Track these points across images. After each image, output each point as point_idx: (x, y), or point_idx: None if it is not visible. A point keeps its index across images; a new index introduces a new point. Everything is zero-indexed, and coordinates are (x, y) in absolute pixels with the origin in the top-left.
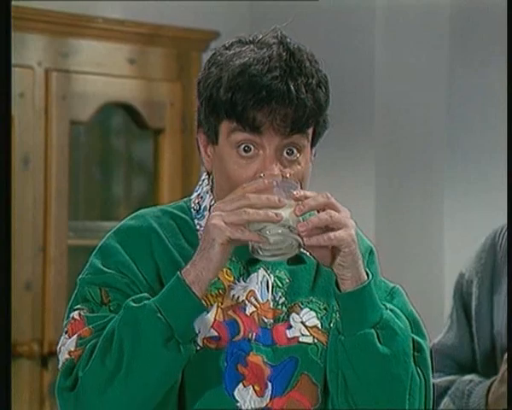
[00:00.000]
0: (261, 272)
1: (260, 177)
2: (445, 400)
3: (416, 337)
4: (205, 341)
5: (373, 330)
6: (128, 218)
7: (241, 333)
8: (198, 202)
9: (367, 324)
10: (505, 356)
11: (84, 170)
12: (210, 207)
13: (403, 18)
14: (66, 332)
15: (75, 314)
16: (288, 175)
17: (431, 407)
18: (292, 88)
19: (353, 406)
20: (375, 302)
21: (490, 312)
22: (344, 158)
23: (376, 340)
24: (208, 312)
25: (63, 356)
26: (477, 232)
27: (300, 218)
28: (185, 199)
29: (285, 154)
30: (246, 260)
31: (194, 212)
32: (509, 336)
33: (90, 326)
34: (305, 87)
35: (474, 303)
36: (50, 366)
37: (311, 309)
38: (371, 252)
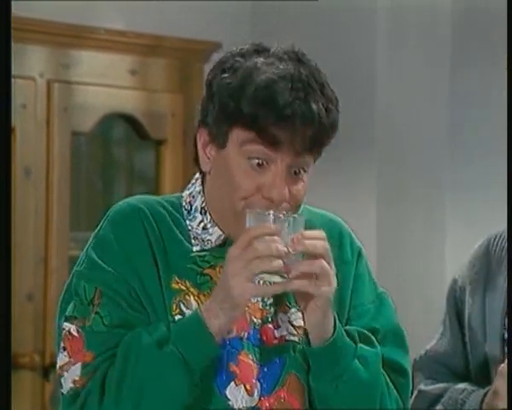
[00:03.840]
0: None
1: (267, 215)
2: (438, 408)
3: (397, 360)
4: None
5: (334, 384)
6: (121, 203)
7: (234, 331)
8: (189, 202)
9: (329, 375)
10: (500, 368)
11: (85, 181)
12: (201, 208)
13: (404, 19)
14: (63, 349)
15: (72, 329)
16: (290, 204)
17: None
18: (314, 109)
19: None
20: (338, 357)
21: (483, 321)
22: (345, 161)
23: (337, 392)
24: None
25: (67, 383)
26: (478, 238)
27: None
28: (176, 195)
29: (293, 172)
30: None
31: (185, 212)
32: (509, 339)
33: (92, 351)
34: (325, 109)
35: (466, 311)
36: (52, 377)
37: (298, 310)
38: (360, 254)
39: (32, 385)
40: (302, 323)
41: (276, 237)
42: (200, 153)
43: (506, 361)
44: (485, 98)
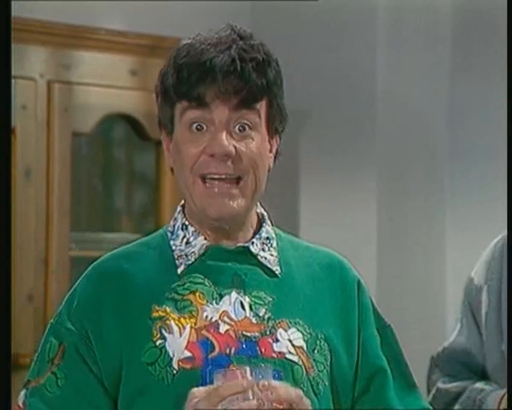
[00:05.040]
0: (233, 294)
1: (233, 370)
2: (457, 407)
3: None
4: (180, 363)
5: None
6: (100, 260)
7: (217, 349)
8: (173, 224)
9: None
10: None
11: (85, 181)
12: (182, 225)
13: (404, 20)
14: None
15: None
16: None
17: None
18: (237, 60)
19: None
20: None
21: (499, 321)
22: (345, 162)
23: None
24: (181, 335)
25: None
26: (480, 240)
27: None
28: (164, 226)
29: (236, 130)
30: (218, 285)
31: (169, 234)
32: (509, 339)
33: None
34: (250, 62)
35: (483, 311)
36: None
37: (298, 330)
38: (359, 284)
39: None
40: (303, 343)
41: (246, 394)
42: (165, 153)
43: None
44: (485, 99)
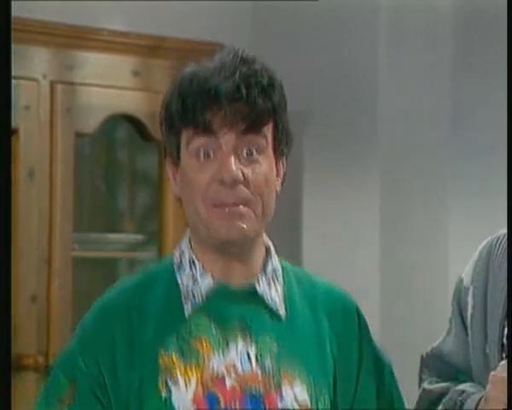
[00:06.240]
0: (240, 343)
1: None
2: (440, 408)
3: None
4: None
5: None
6: (107, 295)
7: (222, 405)
8: (179, 257)
9: None
10: (491, 375)
11: (88, 182)
12: (189, 259)
13: (406, 20)
14: None
15: None
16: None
17: None
18: (241, 85)
19: None
20: None
21: (484, 324)
22: (346, 162)
23: None
24: (187, 388)
25: None
26: (482, 237)
27: None
28: (170, 254)
29: (244, 154)
30: (224, 330)
31: (175, 267)
32: (509, 340)
33: None
34: (256, 86)
35: (469, 312)
36: None
37: (302, 382)
38: (359, 314)
39: (35, 386)
40: (307, 398)
41: None
42: (171, 182)
43: (498, 368)
44: (486, 99)
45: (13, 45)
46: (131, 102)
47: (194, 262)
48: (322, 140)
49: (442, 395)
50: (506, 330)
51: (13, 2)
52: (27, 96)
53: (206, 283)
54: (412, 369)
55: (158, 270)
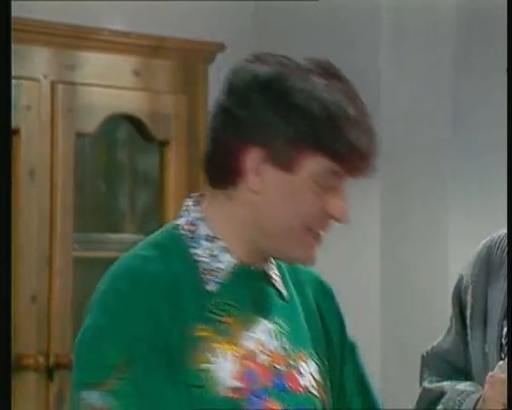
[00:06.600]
0: (264, 321)
1: None
2: (439, 407)
3: None
4: (227, 390)
5: None
6: (126, 263)
7: (259, 382)
8: (190, 230)
9: None
10: (488, 375)
11: (89, 182)
12: (207, 235)
13: (407, 20)
14: None
15: (94, 398)
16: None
17: None
18: (374, 140)
19: None
20: None
21: (483, 323)
22: None
23: None
24: (225, 359)
25: None
26: (480, 231)
27: None
28: (170, 225)
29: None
30: (247, 309)
31: (187, 239)
32: (509, 340)
33: None
34: (375, 138)
35: (468, 311)
36: (56, 379)
37: (314, 362)
38: (334, 292)
39: (36, 387)
40: (319, 377)
41: None
42: (249, 172)
43: (495, 369)
44: (486, 99)
45: (13, 45)
46: (132, 102)
47: (213, 239)
48: None
49: (442, 394)
50: (505, 329)
51: (13, 2)
52: (28, 96)
53: (227, 261)
54: (412, 369)
55: (163, 239)
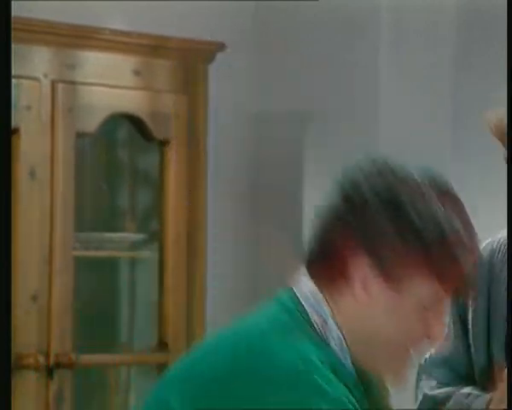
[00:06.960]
0: None
1: None
2: None
3: None
4: None
5: None
6: (289, 364)
7: None
8: (322, 326)
9: None
10: (504, 373)
11: (89, 181)
12: (338, 338)
13: (407, 20)
14: None
15: None
16: None
17: None
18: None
19: None
20: None
21: (487, 326)
22: (347, 162)
23: None
24: None
25: None
26: (480, 232)
27: None
28: (286, 297)
29: None
30: None
31: (314, 335)
32: (508, 341)
33: None
34: None
35: (470, 316)
36: (56, 378)
37: None
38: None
39: (36, 386)
40: None
41: None
42: (357, 282)
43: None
44: (486, 98)
45: (13, 45)
46: (132, 101)
47: (341, 342)
48: (323, 140)
49: (446, 399)
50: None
51: (13, 2)
52: (28, 95)
53: (348, 366)
54: (412, 372)
55: (297, 329)
